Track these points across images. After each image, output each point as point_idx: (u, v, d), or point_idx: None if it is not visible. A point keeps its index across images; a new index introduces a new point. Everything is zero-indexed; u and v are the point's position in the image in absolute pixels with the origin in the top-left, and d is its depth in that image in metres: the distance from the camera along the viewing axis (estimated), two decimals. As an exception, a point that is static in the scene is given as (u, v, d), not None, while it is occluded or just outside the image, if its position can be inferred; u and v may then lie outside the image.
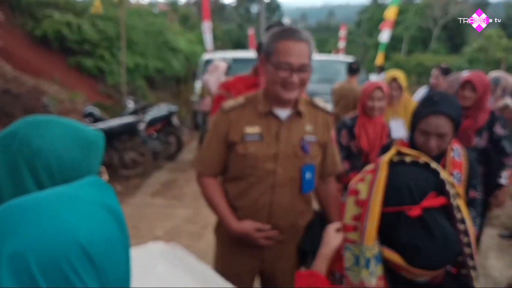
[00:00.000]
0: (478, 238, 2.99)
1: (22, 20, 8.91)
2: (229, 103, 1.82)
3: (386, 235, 0.90)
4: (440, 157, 1.90)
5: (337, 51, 20.27)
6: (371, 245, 0.89)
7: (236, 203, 1.83)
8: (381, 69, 12.25)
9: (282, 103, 1.72)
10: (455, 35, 25.59)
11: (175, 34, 13.46)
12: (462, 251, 0.91)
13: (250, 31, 17.24)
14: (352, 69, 5.46)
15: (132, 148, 6.13)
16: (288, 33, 1.63)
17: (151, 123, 6.59)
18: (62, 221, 0.60)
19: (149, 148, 6.28)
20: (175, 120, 6.94)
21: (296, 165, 1.76)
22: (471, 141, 2.96)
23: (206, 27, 12.10)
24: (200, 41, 15.60)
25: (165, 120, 6.78)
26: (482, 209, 2.43)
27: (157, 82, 11.69)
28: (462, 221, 0.92)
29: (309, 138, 1.79)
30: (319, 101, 1.92)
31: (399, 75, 3.87)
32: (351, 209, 0.96)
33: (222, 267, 1.87)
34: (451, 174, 1.86)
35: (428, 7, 25.64)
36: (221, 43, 19.95)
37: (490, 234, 4.36)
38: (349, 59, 10.04)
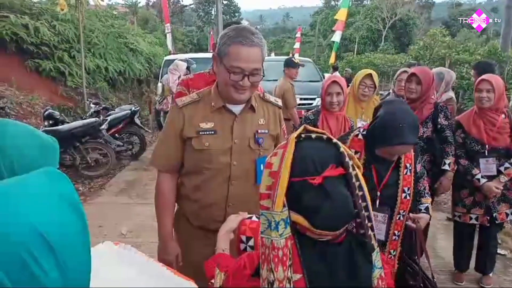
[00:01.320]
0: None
1: (-24, 22, 8.73)
2: (182, 99, 1.83)
3: (293, 201, 1.02)
4: None
5: (293, 52, 20.94)
6: (280, 211, 1.00)
7: (193, 196, 1.84)
8: (335, 68, 12.88)
9: (234, 102, 1.78)
10: (402, 35, 26.82)
11: (136, 36, 13.50)
12: (358, 214, 1.04)
13: (211, 33, 17.48)
14: (290, 65, 5.70)
15: (94, 148, 6.19)
16: (241, 38, 1.62)
17: (113, 123, 6.65)
18: (19, 210, 0.58)
19: (112, 148, 6.34)
20: (137, 120, 7.02)
21: (251, 157, 1.80)
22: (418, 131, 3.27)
23: (167, 29, 12.27)
24: (161, 43, 15.71)
25: (127, 120, 6.85)
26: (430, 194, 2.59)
27: (118, 84, 11.69)
28: (360, 188, 1.04)
29: (262, 131, 1.83)
30: (270, 96, 1.98)
31: (374, 72, 3.61)
32: (265, 180, 1.06)
33: (183, 257, 1.93)
34: (405, 167, 2.04)
35: (377, 8, 26.71)
36: (181, 45, 20.05)
37: (438, 218, 4.75)
38: (306, 59, 10.64)
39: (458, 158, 3.29)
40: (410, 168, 2.05)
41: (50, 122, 6.15)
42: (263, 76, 1.72)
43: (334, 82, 2.98)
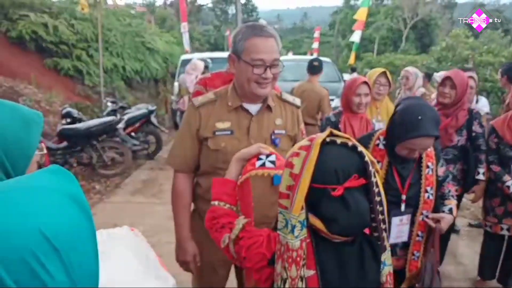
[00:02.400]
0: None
1: (-4, 21, 8.84)
2: (199, 99, 1.82)
3: (312, 205, 1.06)
4: None
5: (311, 52, 20.73)
6: (297, 215, 1.04)
7: (208, 196, 1.82)
8: (353, 70, 12.67)
9: (255, 99, 1.76)
10: (424, 35, 26.33)
11: (153, 35, 13.53)
12: (374, 218, 1.10)
13: (228, 33, 17.44)
14: (313, 68, 5.03)
15: (111, 147, 6.18)
16: (257, 30, 1.65)
17: (130, 122, 6.65)
18: (23, 212, 0.57)
19: (128, 147, 6.33)
20: (153, 119, 7.02)
21: None
22: (453, 140, 3.06)
23: (183, 28, 12.26)
24: (178, 43, 15.73)
25: (144, 119, 6.86)
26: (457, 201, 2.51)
27: (135, 83, 11.75)
28: (379, 194, 1.09)
29: (279, 132, 1.81)
30: (288, 96, 1.95)
31: (387, 71, 3.59)
32: (286, 180, 1.08)
33: (201, 257, 1.93)
34: (427, 166, 1.97)
35: (398, 8, 26.33)
36: (198, 44, 20.06)
37: (460, 224, 4.60)
38: (325, 59, 10.43)
39: (490, 164, 3.14)
40: (432, 167, 1.99)
41: (68, 120, 6.20)
42: (283, 66, 1.73)
43: (364, 83, 2.91)
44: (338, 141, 1.08)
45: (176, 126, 8.20)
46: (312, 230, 1.10)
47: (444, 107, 3.07)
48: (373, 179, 1.07)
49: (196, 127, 1.78)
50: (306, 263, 1.07)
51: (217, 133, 1.75)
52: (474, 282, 3.47)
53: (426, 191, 1.97)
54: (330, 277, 1.08)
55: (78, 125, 5.95)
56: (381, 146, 2.00)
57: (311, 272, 1.07)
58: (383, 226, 1.13)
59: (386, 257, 1.17)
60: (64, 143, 5.79)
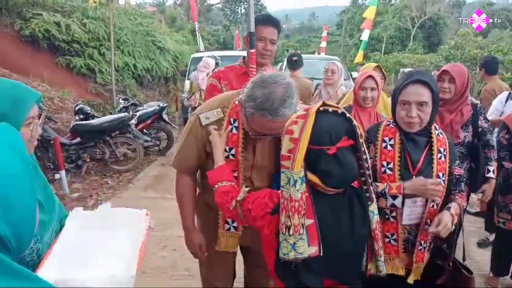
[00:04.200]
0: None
1: (10, 19, 8.96)
2: (206, 116, 1.80)
3: (310, 164, 1.28)
4: (426, 134, 1.95)
5: (318, 51, 20.73)
6: (298, 171, 1.25)
7: (211, 199, 1.80)
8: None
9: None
10: (432, 34, 26.20)
11: (163, 35, 13.65)
12: (363, 173, 1.37)
13: (236, 32, 17.49)
14: (293, 63, 4.87)
15: (123, 143, 6.25)
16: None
17: (142, 119, 6.73)
18: None
19: (140, 144, 6.40)
20: (165, 116, 7.09)
21: (271, 172, 1.81)
22: (460, 136, 2.92)
23: (197, 28, 12.37)
24: (188, 42, 15.85)
25: (156, 116, 6.93)
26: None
27: (146, 81, 11.86)
28: (365, 153, 1.35)
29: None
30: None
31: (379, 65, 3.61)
32: (287, 144, 1.29)
33: (209, 247, 1.98)
34: (439, 151, 1.93)
35: (406, 7, 26.22)
36: (207, 44, 20.17)
37: (471, 221, 4.58)
38: (333, 57, 10.51)
39: (502, 161, 3.10)
40: (445, 153, 1.96)
41: (81, 116, 6.28)
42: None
43: (370, 77, 2.83)
44: (330, 109, 1.30)
45: (186, 123, 8.26)
46: (310, 186, 1.30)
47: (446, 102, 2.93)
48: (360, 140, 1.30)
49: (203, 142, 1.81)
50: (306, 213, 1.28)
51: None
52: (486, 278, 3.45)
53: (438, 177, 1.92)
54: (326, 224, 1.30)
55: (91, 121, 6.04)
56: (391, 125, 2.00)
57: (310, 221, 1.28)
58: (370, 181, 1.39)
59: (374, 207, 1.45)
60: (78, 139, 5.88)
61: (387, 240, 1.97)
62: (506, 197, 3.18)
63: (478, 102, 3.43)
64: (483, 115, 2.99)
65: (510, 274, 3.38)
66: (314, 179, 1.29)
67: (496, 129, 3.38)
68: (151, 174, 6.32)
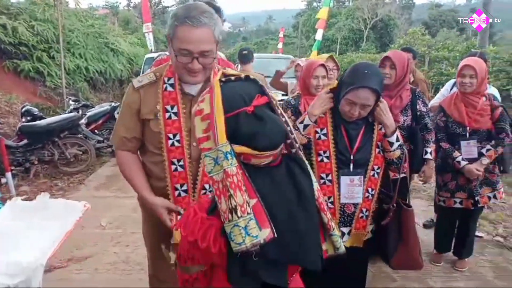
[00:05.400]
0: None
1: (-49, 22, 8.55)
2: (139, 79, 1.79)
3: (232, 135, 1.11)
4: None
5: (276, 52, 21.02)
6: (225, 143, 1.08)
7: (156, 173, 1.81)
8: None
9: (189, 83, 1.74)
10: (384, 35, 27.16)
11: (116, 37, 13.39)
12: (288, 136, 1.21)
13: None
14: (244, 57, 4.98)
15: (73, 144, 6.05)
16: (188, 18, 1.54)
17: (93, 119, 6.55)
18: None
19: (92, 144, 6.22)
20: (117, 115, 6.94)
21: None
22: (399, 120, 3.01)
23: (146, 28, 12.24)
24: (142, 44, 15.61)
25: (107, 115, 6.76)
26: (407, 184, 2.54)
27: (99, 84, 11.57)
28: (283, 115, 1.21)
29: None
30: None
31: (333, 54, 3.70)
32: (200, 125, 1.13)
33: (146, 237, 1.97)
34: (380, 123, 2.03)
35: (358, 9, 27.03)
36: (164, 46, 19.94)
37: (417, 204, 4.76)
38: (288, 56, 10.78)
39: (440, 142, 3.28)
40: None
41: (28, 118, 6.04)
42: (214, 58, 1.65)
43: (321, 65, 2.94)
44: (232, 78, 1.19)
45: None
46: (241, 163, 1.14)
47: (387, 88, 3.01)
48: (274, 101, 1.19)
49: (136, 108, 1.75)
50: (247, 193, 1.10)
51: (158, 115, 1.72)
52: (430, 255, 3.62)
53: (378, 146, 2.00)
54: (270, 200, 1.13)
55: (38, 122, 5.81)
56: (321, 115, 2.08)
57: (254, 201, 1.10)
58: (297, 145, 1.24)
59: (310, 173, 1.29)
60: (25, 141, 5.64)
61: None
62: (445, 176, 3.36)
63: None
64: (421, 99, 3.12)
65: (452, 250, 3.57)
66: (242, 149, 1.12)
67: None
68: (104, 175, 6.16)
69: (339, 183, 2.00)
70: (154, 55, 9.38)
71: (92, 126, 6.53)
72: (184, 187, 1.78)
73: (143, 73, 8.78)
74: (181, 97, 1.74)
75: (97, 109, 6.79)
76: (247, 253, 1.07)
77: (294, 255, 1.18)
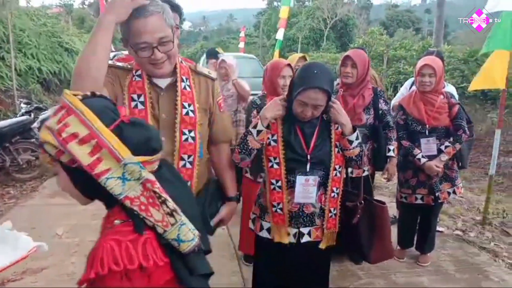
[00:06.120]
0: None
1: None
2: (120, 62, 1.77)
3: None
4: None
5: (238, 51, 20.93)
6: (128, 156, 1.00)
7: None
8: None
9: (158, 77, 1.71)
10: (343, 34, 27.68)
11: (71, 36, 12.88)
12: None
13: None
14: (212, 53, 5.69)
15: (26, 149, 5.76)
16: (136, 11, 1.51)
17: (47, 122, 6.28)
18: None
19: (46, 149, 5.97)
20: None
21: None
22: (362, 119, 3.05)
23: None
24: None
25: (63, 119, 6.50)
26: (370, 182, 2.67)
27: (53, 85, 11.07)
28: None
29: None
30: (203, 68, 1.91)
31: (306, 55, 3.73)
32: (82, 151, 0.98)
33: None
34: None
35: (318, 9, 27.40)
36: (122, 46, 19.47)
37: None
38: (251, 56, 10.71)
39: (400, 140, 3.33)
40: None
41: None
42: (173, 42, 1.61)
43: (288, 65, 2.96)
44: (88, 93, 1.08)
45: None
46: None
47: (349, 87, 3.08)
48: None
49: (111, 82, 1.70)
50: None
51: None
52: (395, 251, 3.69)
53: (336, 146, 2.02)
54: (177, 198, 1.09)
55: (-15, 127, 5.47)
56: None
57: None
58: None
59: None
60: (-28, 147, 5.31)
61: (274, 209, 2.05)
62: (406, 173, 3.42)
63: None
64: (383, 98, 3.16)
65: (414, 246, 3.64)
66: (139, 159, 1.03)
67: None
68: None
69: (289, 188, 2.00)
70: (111, 54, 9.10)
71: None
72: None
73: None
74: (148, 86, 1.71)
75: (50, 112, 6.44)
76: (193, 249, 1.08)
77: (206, 241, 1.24)
